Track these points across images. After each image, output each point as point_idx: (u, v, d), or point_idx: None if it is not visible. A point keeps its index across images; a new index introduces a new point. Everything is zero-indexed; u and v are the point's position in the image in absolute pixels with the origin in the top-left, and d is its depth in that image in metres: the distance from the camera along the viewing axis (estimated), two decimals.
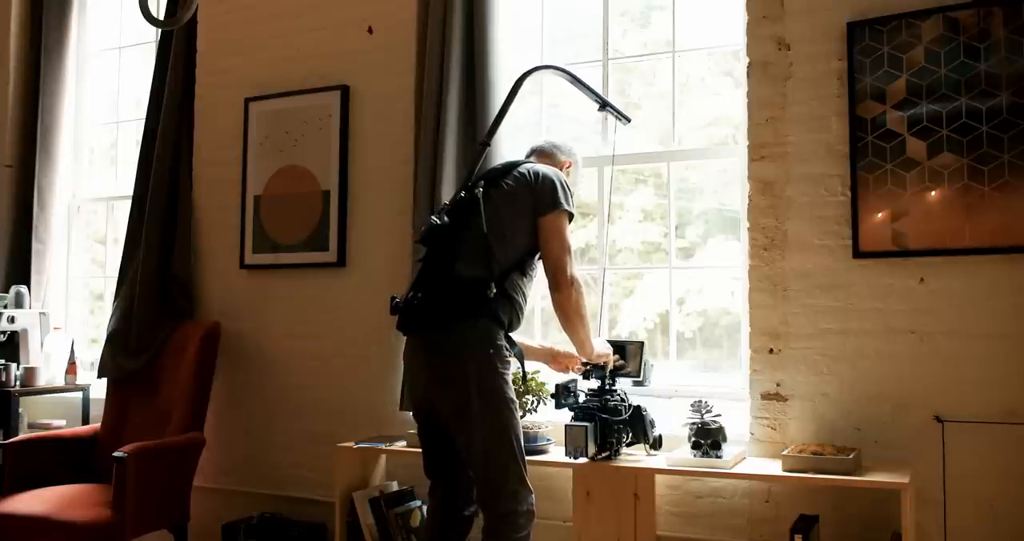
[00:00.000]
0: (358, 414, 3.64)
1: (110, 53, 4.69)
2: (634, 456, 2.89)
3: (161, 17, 3.95)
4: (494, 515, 2.42)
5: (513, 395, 2.49)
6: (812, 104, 2.99)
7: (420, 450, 3.13)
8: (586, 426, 2.75)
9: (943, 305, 2.79)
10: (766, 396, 2.99)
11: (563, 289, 2.53)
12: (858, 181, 2.89)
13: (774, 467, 2.74)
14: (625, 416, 2.80)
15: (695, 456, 2.77)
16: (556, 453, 3.02)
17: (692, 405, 2.88)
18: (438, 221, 2.53)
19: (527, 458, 2.57)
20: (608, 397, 2.81)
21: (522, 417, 3.07)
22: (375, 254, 3.69)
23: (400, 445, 3.23)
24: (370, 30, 3.76)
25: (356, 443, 3.29)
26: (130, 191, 4.16)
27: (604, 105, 3.04)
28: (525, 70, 2.97)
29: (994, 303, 2.73)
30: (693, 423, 2.82)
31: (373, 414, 3.59)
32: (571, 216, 2.61)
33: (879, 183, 2.86)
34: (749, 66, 3.08)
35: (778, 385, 2.98)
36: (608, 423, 2.79)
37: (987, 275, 2.74)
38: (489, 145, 2.66)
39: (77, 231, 4.62)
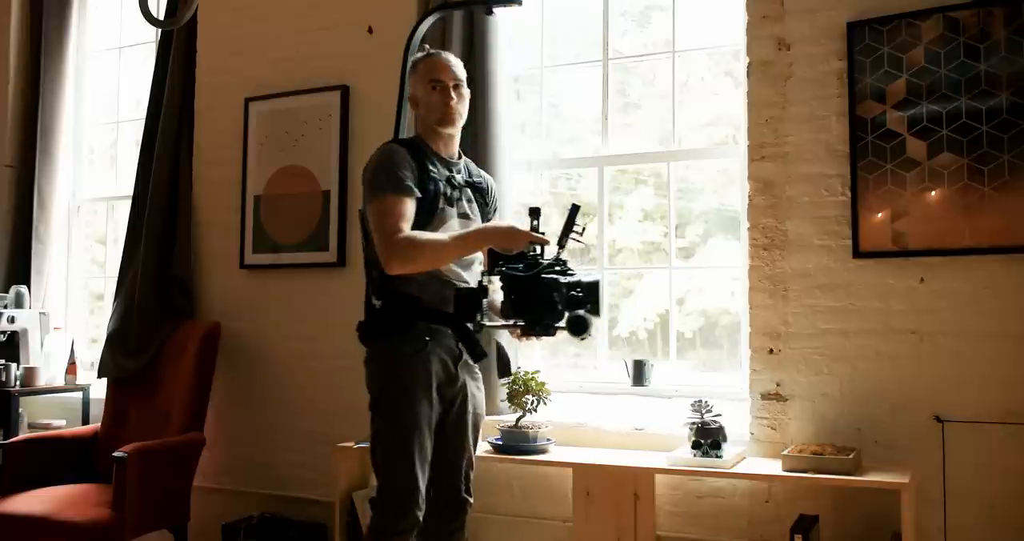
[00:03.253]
0: (358, 414, 3.57)
1: (110, 53, 4.68)
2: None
3: (161, 17, 3.95)
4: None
5: (416, 395, 2.34)
6: (812, 104, 2.99)
7: None
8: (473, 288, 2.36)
9: (943, 305, 2.79)
10: (766, 396, 2.99)
11: (393, 264, 2.27)
12: (858, 181, 2.89)
13: (774, 467, 2.75)
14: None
15: (695, 456, 2.77)
16: (556, 453, 3.02)
17: (692, 405, 2.88)
18: None
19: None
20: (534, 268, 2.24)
21: (521, 417, 3.08)
22: None
23: None
24: (370, 30, 3.76)
25: (356, 443, 3.29)
26: (130, 191, 4.16)
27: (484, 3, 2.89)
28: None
29: (994, 303, 2.73)
30: (693, 423, 2.83)
31: None
32: (398, 189, 2.30)
33: (879, 183, 2.86)
34: (749, 66, 3.08)
35: (778, 385, 2.98)
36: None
37: (987, 275, 2.74)
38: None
39: (77, 231, 4.61)
